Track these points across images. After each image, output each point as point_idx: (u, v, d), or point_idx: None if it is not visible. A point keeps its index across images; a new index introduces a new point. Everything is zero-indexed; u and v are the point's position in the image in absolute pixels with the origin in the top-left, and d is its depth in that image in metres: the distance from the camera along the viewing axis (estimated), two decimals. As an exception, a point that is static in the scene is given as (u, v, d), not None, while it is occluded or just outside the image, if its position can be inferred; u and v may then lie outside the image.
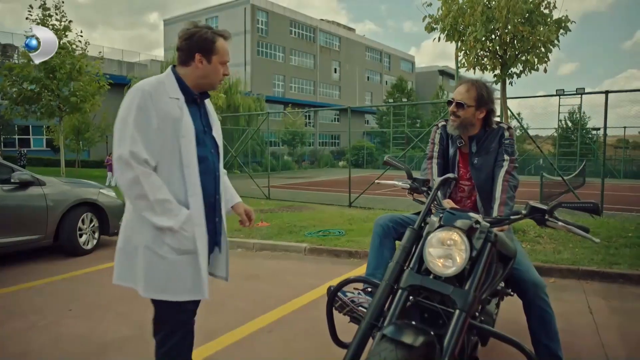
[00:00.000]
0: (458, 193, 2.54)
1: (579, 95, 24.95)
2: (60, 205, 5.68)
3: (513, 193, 2.28)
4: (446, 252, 1.68)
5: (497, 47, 5.44)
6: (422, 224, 1.85)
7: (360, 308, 2.12)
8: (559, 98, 23.43)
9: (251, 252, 6.11)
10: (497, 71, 5.78)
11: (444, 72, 61.93)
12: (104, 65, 32.48)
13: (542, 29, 5.26)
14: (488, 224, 1.74)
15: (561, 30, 5.49)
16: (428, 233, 1.76)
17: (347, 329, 2.12)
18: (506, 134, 2.43)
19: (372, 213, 8.92)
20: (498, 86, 6.12)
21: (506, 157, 2.37)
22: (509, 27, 5.24)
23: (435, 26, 5.90)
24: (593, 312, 3.54)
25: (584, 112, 30.35)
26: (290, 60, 46.27)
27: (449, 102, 2.41)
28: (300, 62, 47.66)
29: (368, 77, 56.11)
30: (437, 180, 1.97)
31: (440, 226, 1.74)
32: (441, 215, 1.79)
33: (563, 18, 5.51)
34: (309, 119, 45.22)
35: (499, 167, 2.37)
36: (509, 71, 5.70)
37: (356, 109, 40.58)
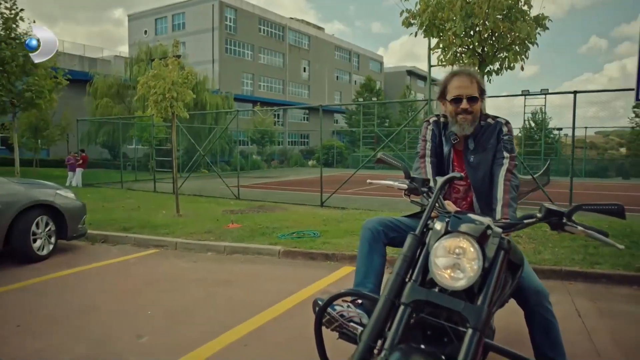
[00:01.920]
0: (452, 194, 2.34)
1: (543, 96, 25.57)
2: (11, 208, 5.20)
3: (515, 193, 2.10)
4: (454, 262, 1.47)
5: (476, 44, 5.33)
6: (424, 230, 1.63)
7: (351, 324, 1.88)
8: (524, 98, 23.91)
9: (222, 256, 5.79)
10: (476, 68, 5.66)
11: (412, 73, 62.63)
12: (64, 60, 31.18)
13: (521, 25, 5.17)
14: (500, 230, 1.54)
15: (539, 28, 5.43)
16: (432, 240, 1.54)
17: (335, 346, 1.89)
18: (504, 129, 2.24)
19: (345, 213, 8.73)
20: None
21: (506, 154, 2.18)
22: (488, 23, 5.13)
23: (413, 21, 5.75)
24: (582, 316, 3.43)
25: (545, 113, 31.17)
26: (259, 58, 45.69)
27: (457, 100, 2.18)
28: (269, 61, 47.14)
29: (337, 76, 56.09)
30: (439, 180, 1.75)
31: (446, 232, 1.53)
32: (447, 220, 1.58)
33: (541, 16, 5.45)
34: (278, 118, 44.78)
35: (498, 165, 2.19)
36: (487, 68, 5.60)
37: (327, 107, 40.50)
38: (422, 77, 61.81)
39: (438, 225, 1.58)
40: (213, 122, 27.56)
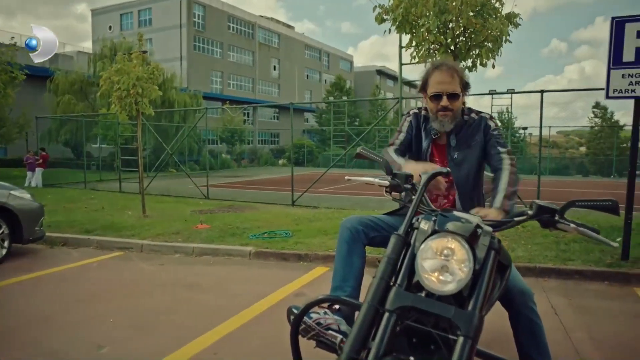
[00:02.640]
0: (433, 191, 2.23)
1: (509, 96, 26.19)
2: (-40, 210, 4.83)
3: (517, 188, 2.00)
4: (442, 264, 1.35)
5: (449, 40, 5.30)
6: (409, 230, 1.51)
7: (329, 332, 1.75)
8: (491, 98, 24.41)
9: (190, 258, 5.57)
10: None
11: (381, 72, 63.12)
12: (22, 55, 29.81)
13: (493, 21, 5.17)
14: (491, 229, 1.44)
15: (511, 26, 5.45)
16: (418, 241, 1.43)
17: (312, 354, 1.75)
18: (491, 124, 2.14)
19: (317, 212, 8.61)
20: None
21: (501, 149, 2.08)
22: (462, 19, 5.10)
23: (386, 17, 5.66)
24: (558, 313, 3.41)
25: (511, 113, 31.96)
26: (228, 56, 45.02)
27: (436, 97, 2.07)
28: (239, 59, 46.52)
29: (307, 75, 55.93)
30: (424, 175, 1.64)
31: (433, 232, 1.41)
32: (434, 218, 1.47)
33: (512, 13, 5.47)
34: (248, 116, 44.28)
35: (498, 160, 2.07)
36: (460, 65, 5.57)
37: (298, 106, 40.30)
38: (392, 77, 62.43)
39: (424, 225, 1.47)
40: (181, 120, 26.95)
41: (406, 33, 5.62)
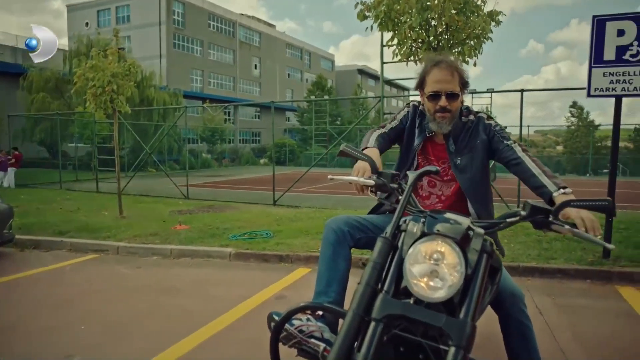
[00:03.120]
0: (427, 188, 2.13)
1: (489, 95, 26.48)
2: None
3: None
4: (432, 268, 1.27)
5: (431, 38, 5.25)
6: (396, 232, 1.42)
7: (311, 340, 1.65)
8: (472, 97, 24.57)
9: (168, 260, 5.40)
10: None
11: (363, 72, 63.26)
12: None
13: (475, 19, 5.14)
14: (482, 231, 1.36)
15: (493, 23, 5.43)
16: (406, 244, 1.34)
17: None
18: (491, 122, 2.05)
19: (299, 212, 8.50)
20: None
21: (507, 141, 1.97)
22: (444, 17, 5.06)
23: (368, 14, 5.59)
24: (543, 313, 3.38)
25: (491, 112, 32.37)
26: (209, 54, 44.50)
27: (434, 96, 1.96)
28: (220, 57, 46.03)
29: (289, 74, 55.70)
30: (411, 174, 1.55)
31: (422, 235, 1.33)
32: (422, 220, 1.38)
33: (494, 11, 5.45)
34: (229, 115, 43.87)
35: (508, 151, 1.95)
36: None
37: (279, 105, 40.02)
38: (373, 76, 62.62)
39: (412, 227, 1.38)
40: (160, 119, 26.48)
41: (388, 30, 5.55)
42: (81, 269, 5.06)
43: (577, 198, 1.40)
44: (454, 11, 5.28)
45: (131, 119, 24.03)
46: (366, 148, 2.00)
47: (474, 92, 18.86)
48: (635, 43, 4.12)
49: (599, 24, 4.21)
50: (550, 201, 1.71)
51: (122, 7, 42.09)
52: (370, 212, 2.22)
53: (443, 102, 1.94)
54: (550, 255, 4.64)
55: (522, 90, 8.92)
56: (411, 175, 1.53)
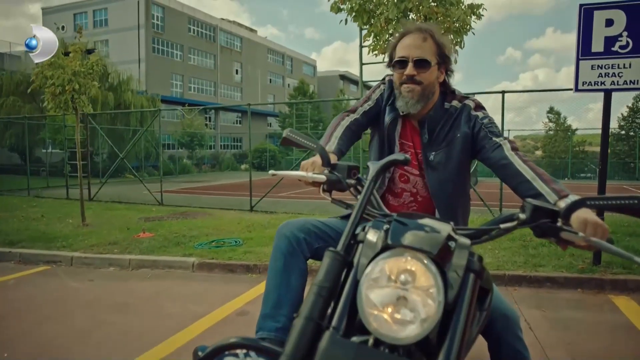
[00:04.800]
0: (399, 184, 1.76)
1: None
2: None
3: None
4: (399, 295, 0.90)
5: (410, 30, 4.92)
6: (351, 242, 1.05)
7: None
8: (453, 102, 24.58)
9: (126, 272, 4.94)
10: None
11: (344, 77, 63.21)
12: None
13: (455, 11, 4.84)
14: (468, 241, 0.99)
15: (474, 17, 5.14)
16: (363, 260, 0.97)
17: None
18: (478, 114, 1.64)
19: (274, 217, 8.10)
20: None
21: (496, 139, 1.56)
22: (422, 8, 4.74)
23: (342, 6, 5.24)
24: (533, 328, 3.04)
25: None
26: (189, 59, 43.85)
27: (400, 62, 1.59)
28: (200, 62, 45.41)
29: (270, 79, 55.29)
30: (373, 165, 1.17)
31: (386, 247, 0.96)
32: (386, 227, 1.01)
33: (475, 4, 5.16)
34: (210, 121, 43.24)
35: (495, 150, 1.54)
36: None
37: (257, 110, 39.49)
38: (355, 82, 62.57)
39: (372, 236, 1.01)
40: (138, 124, 25.80)
41: (364, 23, 5.21)
42: (26, 283, 4.56)
43: (596, 195, 1.04)
44: (433, 3, 4.98)
45: (107, 124, 23.43)
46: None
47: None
48: (625, 33, 3.85)
49: (586, 13, 3.93)
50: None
51: (100, 10, 41.30)
52: (337, 217, 1.83)
53: (409, 69, 1.57)
54: (538, 262, 4.32)
55: (503, 92, 8.69)
56: (372, 166, 1.15)
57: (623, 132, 30.77)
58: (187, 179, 23.95)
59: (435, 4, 4.91)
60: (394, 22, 4.83)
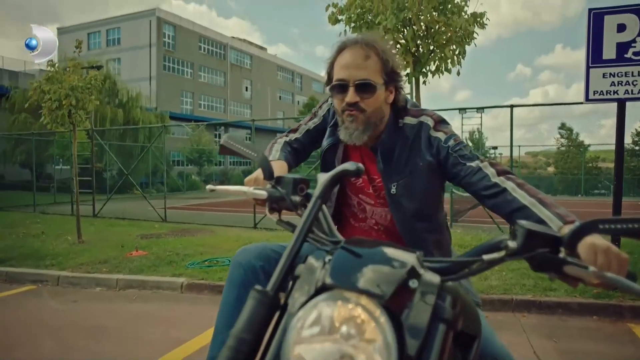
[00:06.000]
0: (362, 202, 1.51)
1: (479, 116, 26.28)
2: None
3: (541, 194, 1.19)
4: (341, 352, 0.65)
5: (409, 40, 4.72)
6: (285, 277, 0.81)
7: None
8: (462, 117, 24.35)
9: (112, 292, 4.71)
10: (409, 69, 5.05)
11: (354, 94, 63.43)
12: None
13: (457, 20, 4.63)
14: (437, 279, 0.74)
15: (477, 26, 4.92)
16: (294, 304, 0.73)
17: None
18: (438, 134, 1.34)
19: (274, 235, 7.85)
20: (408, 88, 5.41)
21: (471, 163, 1.27)
22: (422, 16, 4.54)
23: (340, 17, 5.06)
24: (542, 362, 2.74)
25: (482, 133, 32.23)
26: (199, 76, 44.32)
27: (340, 88, 1.32)
28: (210, 79, 45.86)
29: (280, 96, 55.61)
30: (321, 178, 0.90)
31: (322, 288, 0.71)
32: (328, 257, 0.77)
33: (478, 13, 4.95)
34: (219, 137, 43.41)
35: (469, 176, 1.25)
36: (423, 69, 4.99)
37: (265, 126, 39.52)
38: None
39: (309, 271, 0.77)
40: (146, 140, 25.93)
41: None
42: (4, 305, 4.35)
43: (611, 217, 0.78)
44: (435, 13, 4.78)
45: (116, 140, 23.54)
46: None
47: (461, 109, 18.57)
48: (639, 39, 3.59)
49: (596, 18, 3.68)
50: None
51: (113, 29, 42.10)
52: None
53: (351, 96, 1.29)
54: (549, 285, 3.99)
55: (511, 106, 8.46)
56: (321, 178, 0.91)
57: (637, 147, 30.21)
58: (194, 196, 23.87)
59: (437, 13, 4.72)
60: (392, 32, 4.64)
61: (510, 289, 3.95)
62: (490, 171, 1.24)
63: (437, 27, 4.66)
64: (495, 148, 30.68)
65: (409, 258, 0.75)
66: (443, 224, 1.49)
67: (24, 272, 5.29)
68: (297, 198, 0.99)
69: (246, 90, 50.49)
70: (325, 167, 1.48)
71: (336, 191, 1.50)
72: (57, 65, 7.10)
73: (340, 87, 1.32)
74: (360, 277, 0.70)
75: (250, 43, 53.32)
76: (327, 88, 1.40)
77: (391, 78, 1.35)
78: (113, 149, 20.93)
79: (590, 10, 3.70)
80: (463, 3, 4.89)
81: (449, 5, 4.69)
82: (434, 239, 1.43)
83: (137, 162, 17.25)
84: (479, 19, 4.91)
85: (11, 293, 4.74)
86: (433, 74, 5.04)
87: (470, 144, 32.68)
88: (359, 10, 4.81)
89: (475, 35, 4.87)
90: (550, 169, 41.92)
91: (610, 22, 3.65)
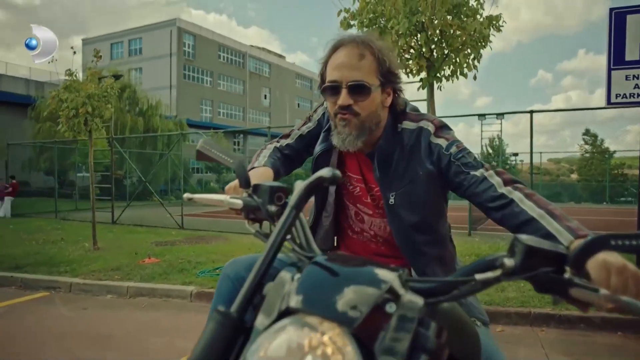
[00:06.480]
0: (357, 222, 1.43)
1: (499, 123, 25.82)
2: None
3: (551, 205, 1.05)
4: None
5: (423, 44, 4.60)
6: (258, 295, 0.72)
7: None
8: (481, 124, 23.94)
9: (122, 300, 4.69)
10: (423, 74, 4.94)
11: (373, 101, 63.34)
12: (7, 83, 29.23)
13: (472, 22, 4.50)
14: (419, 302, 0.64)
15: (492, 29, 4.78)
16: (256, 331, 0.65)
17: None
18: (440, 141, 1.23)
19: (288, 242, 7.75)
20: (423, 92, 5.29)
21: (475, 172, 1.16)
22: (436, 20, 4.43)
23: (352, 22, 4.99)
24: (561, 381, 2.58)
25: (502, 140, 31.72)
26: (218, 85, 44.86)
27: (333, 89, 1.22)
28: (229, 87, 46.37)
29: (299, 104, 55.86)
30: (298, 186, 0.81)
31: (285, 312, 0.63)
32: (297, 275, 0.69)
33: (494, 16, 4.81)
34: (238, 145, 43.74)
35: (473, 186, 1.14)
36: (437, 74, 4.87)
37: (279, 133, 39.70)
38: (383, 105, 62.56)
39: (275, 291, 0.69)
40: (165, 148, 26.27)
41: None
42: (16, 312, 4.36)
43: (621, 232, 0.67)
44: (449, 17, 4.66)
45: (136, 148, 23.89)
46: (253, 168, 1.33)
47: (480, 114, 18.27)
48: (664, 40, 3.42)
49: (618, 18, 3.52)
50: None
51: (135, 39, 42.97)
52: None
53: (343, 98, 1.19)
54: (569, 298, 3.81)
55: (531, 112, 8.26)
56: (297, 187, 0.82)
57: (665, 154, 29.29)
58: (212, 203, 23.95)
59: (451, 16, 4.60)
60: (405, 36, 4.53)
61: (529, 302, 3.78)
62: (496, 180, 1.13)
63: (451, 30, 4.54)
64: (516, 155, 30.14)
65: (389, 277, 0.66)
66: (446, 237, 1.38)
67: (38, 278, 5.32)
68: (273, 208, 0.90)
69: (265, 98, 50.87)
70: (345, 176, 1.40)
71: (332, 201, 1.42)
72: (74, 74, 7.20)
73: (333, 89, 1.22)
74: (328, 300, 0.61)
75: (269, 51, 53.78)
76: (320, 90, 1.31)
77: (388, 79, 1.25)
78: (133, 157, 21.26)
79: (611, 10, 3.54)
80: (478, 6, 4.77)
81: (464, 9, 4.57)
82: (436, 253, 1.32)
83: (155, 170, 17.46)
84: (494, 22, 4.78)
85: (24, 300, 4.76)
86: (447, 78, 4.92)
87: (491, 150, 32.20)
88: (371, 15, 4.73)
89: (491, 37, 4.72)
90: (574, 176, 40.96)
91: (633, 22, 3.48)
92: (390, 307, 0.61)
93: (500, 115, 17.72)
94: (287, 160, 1.43)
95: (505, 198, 1.09)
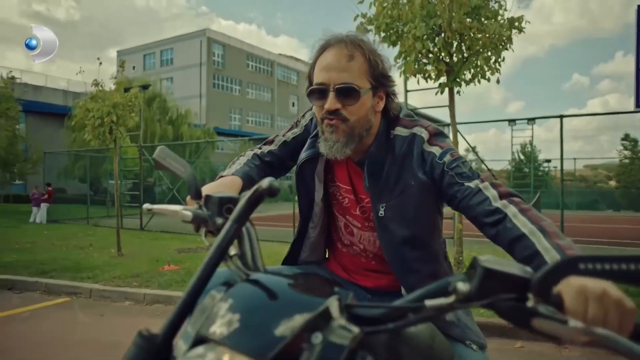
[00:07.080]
0: (346, 235, 1.36)
1: (530, 128, 25.20)
2: None
3: (546, 220, 0.97)
4: None
5: (441, 48, 4.48)
6: (187, 314, 0.66)
7: None
8: (512, 130, 23.39)
9: (139, 307, 4.73)
10: (443, 79, 4.81)
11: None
12: (47, 94, 30.45)
13: (492, 23, 4.36)
14: (356, 330, 0.56)
15: (514, 31, 4.61)
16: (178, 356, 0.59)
17: None
18: (433, 149, 1.14)
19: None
20: (442, 96, 5.15)
21: (469, 183, 1.07)
22: (454, 23, 4.30)
23: (369, 27, 4.91)
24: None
25: (534, 145, 30.83)
26: (247, 93, 45.52)
27: (320, 93, 1.14)
28: (258, 96, 46.98)
29: (326, 111, 56.10)
30: (243, 199, 0.74)
31: (197, 340, 0.57)
32: (220, 294, 0.63)
33: (515, 18, 4.65)
34: (266, 152, 44.16)
35: (467, 199, 1.06)
36: (456, 78, 4.73)
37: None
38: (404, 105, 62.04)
39: (199, 313, 0.63)
40: (193, 156, 26.74)
41: (393, 44, 4.82)
42: (38, 316, 4.45)
43: (593, 254, 0.57)
44: (468, 20, 4.53)
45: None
46: (221, 177, 1.26)
47: (510, 120, 17.82)
48: (697, 38, 3.20)
49: (646, 16, 3.33)
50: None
51: (166, 50, 44.09)
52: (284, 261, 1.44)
53: (331, 102, 1.11)
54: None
55: (561, 116, 7.96)
56: (242, 199, 0.75)
57: None
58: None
59: (470, 19, 4.47)
60: (422, 40, 4.42)
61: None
62: (491, 193, 1.04)
63: (470, 33, 4.40)
64: (548, 161, 29.26)
65: (326, 301, 0.58)
66: (440, 254, 1.27)
67: (61, 284, 5.43)
68: (220, 220, 0.84)
69: (293, 105, 51.26)
70: (302, 183, 1.33)
71: (318, 211, 1.35)
72: (100, 84, 7.39)
73: (319, 92, 1.14)
74: (243, 327, 0.54)
75: (297, 59, 54.21)
76: (306, 93, 1.24)
77: (380, 82, 1.17)
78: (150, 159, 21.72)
79: (639, 6, 3.35)
80: (499, 8, 4.62)
81: (483, 11, 4.43)
82: (429, 271, 1.21)
83: (183, 177, 17.74)
84: (516, 23, 4.61)
85: (45, 305, 4.86)
86: (467, 83, 4.77)
87: (522, 157, 31.30)
88: (388, 19, 4.64)
89: (521, 41, 4.58)
90: (612, 183, 39.42)
91: (662, 20, 3.29)
92: (316, 338, 0.54)
93: (531, 121, 17.25)
94: (268, 168, 1.37)
95: (500, 213, 1.00)
